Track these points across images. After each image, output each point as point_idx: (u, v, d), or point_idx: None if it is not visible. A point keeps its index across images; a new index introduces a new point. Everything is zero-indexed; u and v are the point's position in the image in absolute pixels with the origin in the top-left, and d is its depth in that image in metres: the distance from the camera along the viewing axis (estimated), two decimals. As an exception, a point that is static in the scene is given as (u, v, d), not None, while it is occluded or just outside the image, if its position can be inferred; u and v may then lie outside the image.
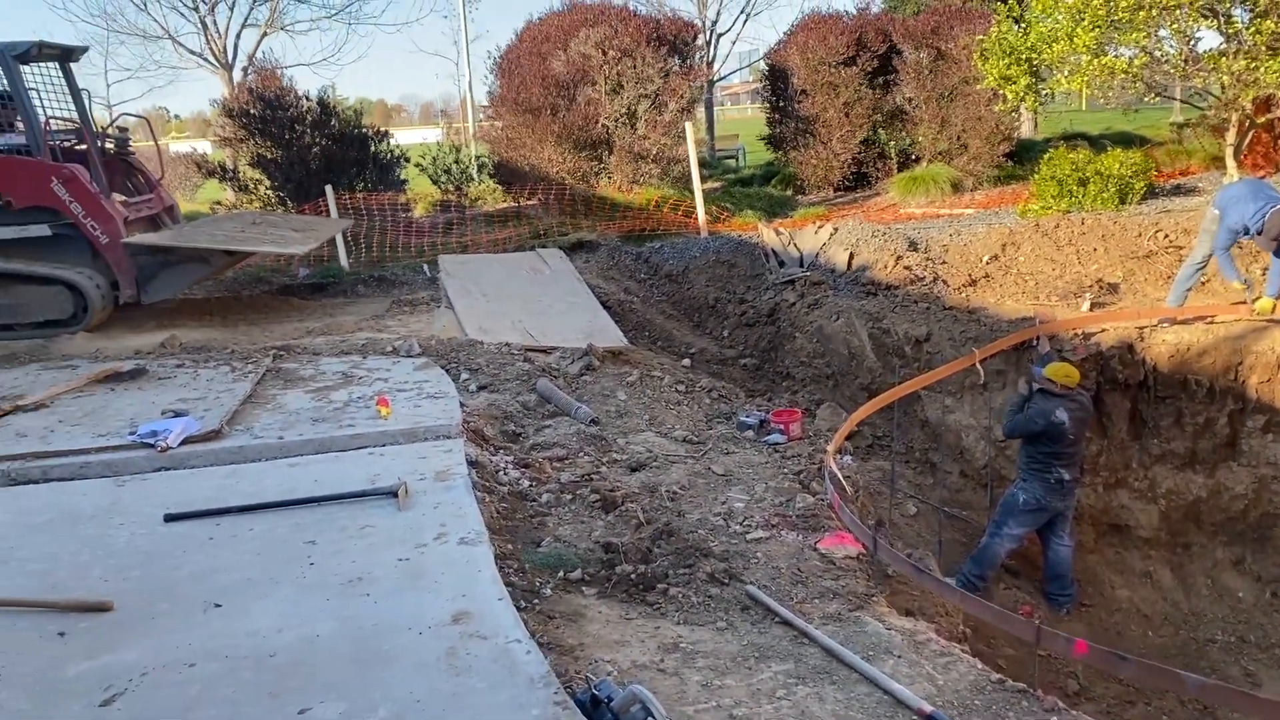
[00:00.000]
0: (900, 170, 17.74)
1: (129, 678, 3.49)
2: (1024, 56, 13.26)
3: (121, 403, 7.01)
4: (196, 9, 24.00)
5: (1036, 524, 7.71)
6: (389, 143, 18.02)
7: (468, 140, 21.74)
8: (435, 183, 18.93)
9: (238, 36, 24.63)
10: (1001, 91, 13.91)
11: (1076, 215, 11.23)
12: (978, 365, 8.27)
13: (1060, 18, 12.61)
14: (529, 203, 16.25)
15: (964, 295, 9.99)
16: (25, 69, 10.19)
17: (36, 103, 10.22)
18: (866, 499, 6.51)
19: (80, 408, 6.91)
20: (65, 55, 10.98)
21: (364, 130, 17.69)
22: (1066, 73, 12.84)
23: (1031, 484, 7.57)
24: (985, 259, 10.49)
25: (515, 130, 17.02)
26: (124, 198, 10.89)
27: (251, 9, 24.65)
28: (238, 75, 23.50)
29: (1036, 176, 12.95)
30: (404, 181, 18.23)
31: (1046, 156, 13.11)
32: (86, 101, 11.08)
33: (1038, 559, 8.11)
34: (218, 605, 4.02)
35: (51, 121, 10.39)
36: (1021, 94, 13.67)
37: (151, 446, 5.93)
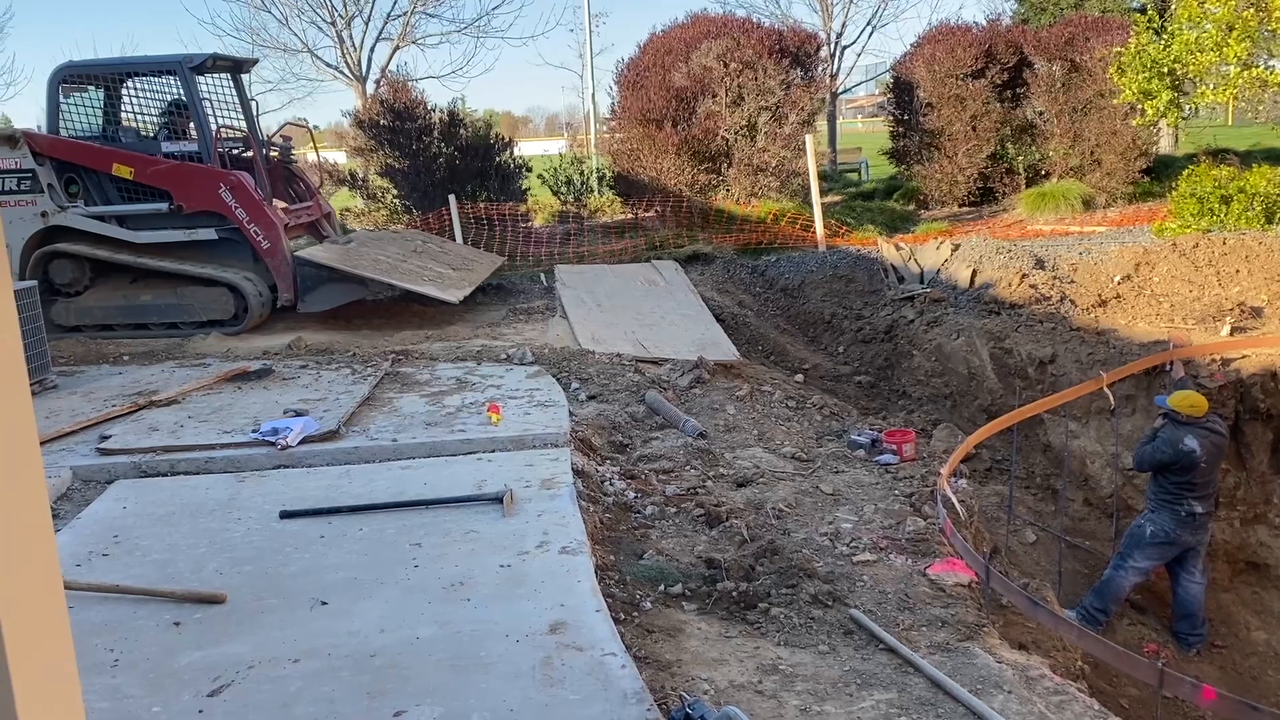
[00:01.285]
0: (1028, 186, 17.18)
1: (236, 670, 3.59)
2: (1165, 69, 12.67)
3: (247, 401, 7.28)
4: (334, 24, 24.92)
5: (1165, 558, 7.31)
6: (512, 153, 18.34)
7: (589, 152, 21.97)
8: (556, 193, 19.18)
9: (372, 50, 25.48)
10: (1140, 106, 13.32)
11: (1218, 235, 10.66)
12: (1105, 389, 7.91)
13: (1208, 28, 12.02)
14: (646, 215, 16.31)
15: (1092, 316, 9.58)
16: (200, 79, 10.74)
17: (209, 112, 10.73)
18: (982, 525, 6.28)
19: (209, 404, 7.20)
20: (236, 67, 11.53)
21: (490, 141, 18.06)
22: (1213, 85, 12.23)
23: (1161, 515, 7.18)
24: (1117, 279, 10.04)
25: (635, 142, 17.12)
26: (285, 204, 11.34)
27: (385, 24, 25.46)
28: (370, 87, 24.29)
29: (1175, 194, 12.35)
30: (525, 191, 18.52)
31: (1186, 172, 12.50)
32: (254, 111, 11.60)
33: (1167, 595, 7.69)
34: (324, 603, 4.11)
35: (221, 130, 10.90)
36: (1163, 109, 13.07)
37: (272, 444, 6.13)
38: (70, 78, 10.84)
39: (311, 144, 14.01)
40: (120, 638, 3.88)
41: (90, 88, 10.97)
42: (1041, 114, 16.90)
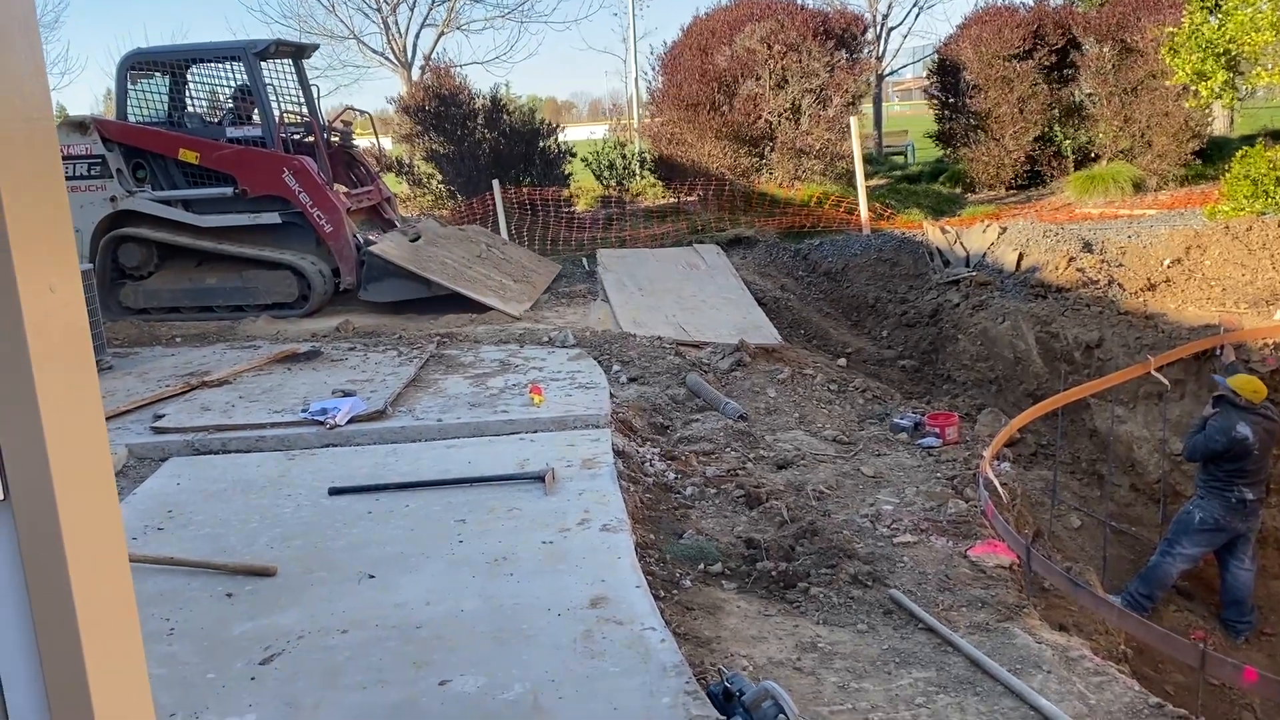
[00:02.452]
0: (1077, 169, 16.92)
1: (286, 639, 3.69)
2: (1220, 50, 12.39)
3: (296, 382, 7.42)
4: (379, 10, 25.14)
5: (1213, 545, 7.21)
6: (555, 138, 18.41)
7: (631, 136, 21.98)
8: (598, 178, 19.23)
9: (417, 36, 25.70)
10: (1194, 88, 13.04)
11: (1272, 217, 10.44)
12: (1153, 373, 7.81)
13: (1264, 7, 11.73)
14: (688, 198, 16.30)
15: (1141, 300, 9.45)
16: (263, 66, 10.92)
17: (271, 98, 10.92)
18: (1025, 508, 6.25)
19: (259, 385, 7.36)
20: (298, 52, 11.71)
21: (533, 126, 18.13)
22: (1270, 66, 11.95)
23: (1210, 502, 7.08)
24: (1166, 262, 9.89)
25: (677, 125, 17.10)
26: (346, 189, 11.50)
27: (430, 9, 25.65)
28: (415, 74, 24.48)
29: (1228, 176, 12.09)
30: (568, 176, 18.59)
31: (1240, 154, 12.23)
32: (315, 97, 11.78)
33: (1215, 582, 7.59)
34: (371, 576, 4.20)
35: (284, 116, 11.07)
36: (1217, 91, 12.77)
37: (321, 424, 6.25)
38: (138, 64, 11.08)
39: (371, 130, 14.18)
40: (176, 608, 4.00)
41: (157, 74, 11.20)
42: (1090, 95, 16.63)
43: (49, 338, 1.31)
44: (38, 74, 1.33)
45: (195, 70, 11.30)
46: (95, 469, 1.43)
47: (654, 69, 19.16)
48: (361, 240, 10.61)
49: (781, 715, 3.12)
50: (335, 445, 6.10)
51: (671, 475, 5.79)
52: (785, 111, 16.31)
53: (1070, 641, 4.20)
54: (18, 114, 1.27)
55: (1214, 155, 16.34)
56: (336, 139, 11.87)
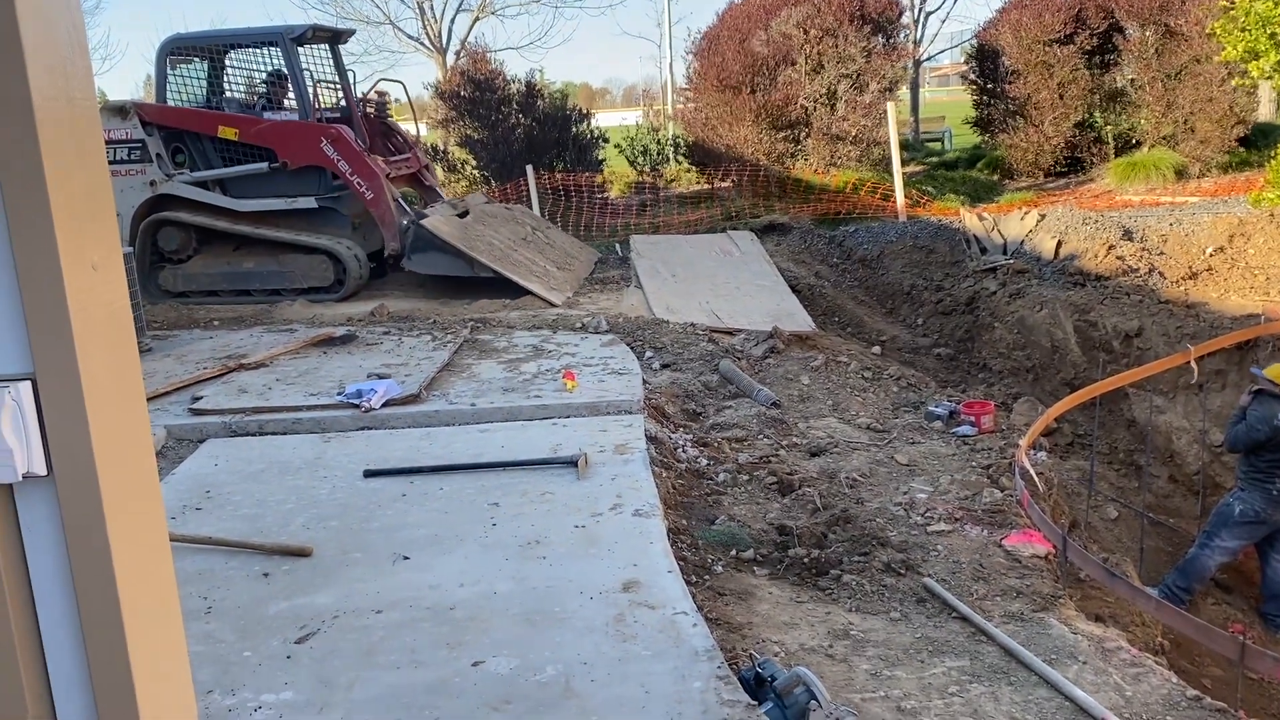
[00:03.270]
0: (1118, 155, 16.65)
1: (322, 619, 3.73)
2: (1272, 32, 12.10)
3: (332, 365, 7.48)
4: (415, -4, 25.19)
5: (1254, 537, 7.10)
6: (589, 124, 18.39)
7: (665, 122, 21.90)
8: (632, 164, 19.20)
9: (452, 21, 25.74)
10: (1244, 67, 12.75)
11: (1319, 205, 10.23)
12: (1193, 363, 7.69)
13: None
14: (722, 184, 16.23)
15: (1182, 289, 9.31)
16: (300, 51, 10.99)
17: (308, 83, 11.00)
18: (1061, 498, 6.18)
19: (295, 368, 7.42)
20: (334, 38, 11.79)
21: (567, 112, 18.13)
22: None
23: (1250, 494, 6.97)
24: (1209, 250, 9.73)
25: (712, 110, 17.02)
26: (383, 159, 11.55)
27: (465, -5, 25.66)
28: (450, 59, 24.53)
29: (1273, 163, 11.84)
30: (601, 162, 18.58)
31: (1287, 139, 11.99)
32: (351, 79, 11.86)
33: (1255, 575, 7.48)
34: (405, 558, 4.24)
35: (320, 99, 11.13)
36: (1268, 71, 12.49)
37: (356, 407, 6.30)
38: (177, 50, 11.21)
39: (409, 108, 14.24)
40: (213, 586, 4.06)
41: (195, 59, 11.31)
42: (1133, 81, 16.35)
43: (91, 315, 1.32)
44: (81, 55, 1.34)
45: (233, 55, 11.41)
46: (136, 447, 1.44)
47: (690, 54, 19.07)
48: (406, 208, 10.64)
49: (813, 701, 3.12)
50: (370, 428, 6.14)
51: (704, 461, 5.79)
52: (821, 97, 16.19)
53: (1106, 632, 4.16)
54: (62, 94, 1.28)
55: (1259, 142, 16.01)
56: (372, 110, 11.89)
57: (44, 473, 1.32)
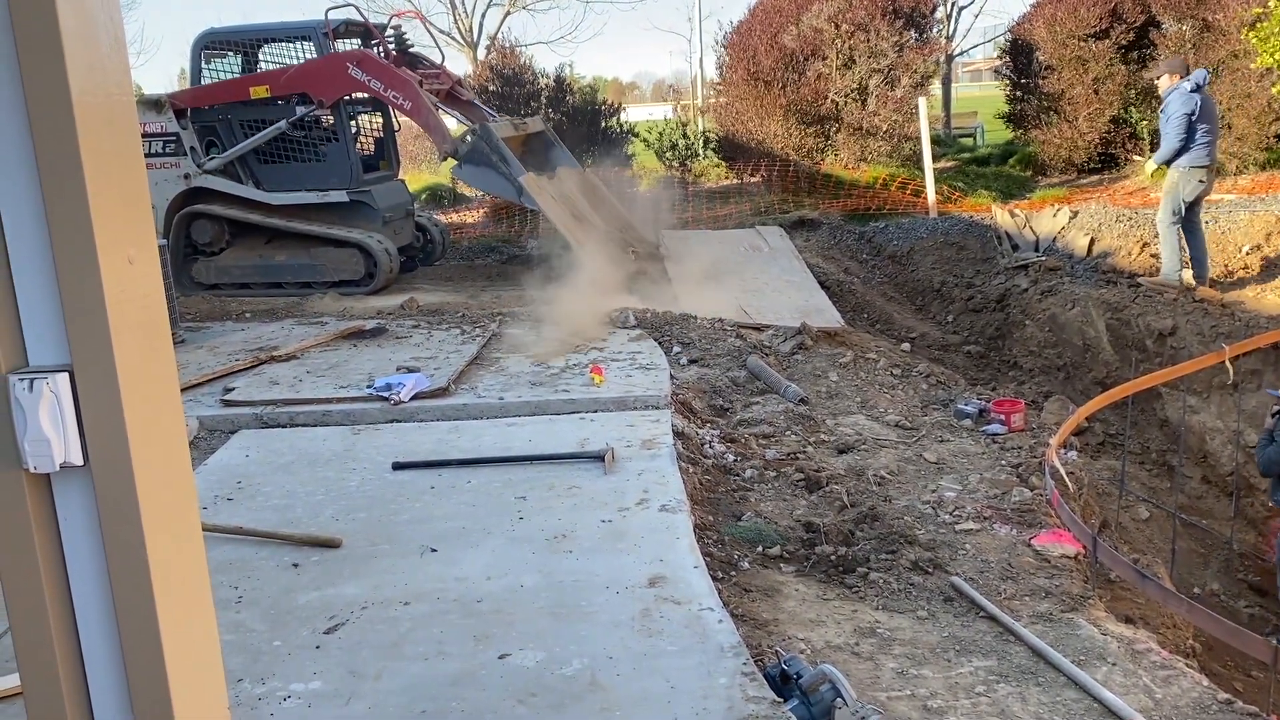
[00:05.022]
0: (1153, 151, 16.44)
1: (350, 610, 3.76)
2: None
3: (362, 358, 7.53)
4: (446, -10, 25.26)
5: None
6: (618, 118, 18.37)
7: (695, 116, 21.86)
8: (660, 158, 19.17)
9: (483, 16, 25.83)
10: (1278, 71, 12.56)
11: (1360, 203, 10.07)
12: (1228, 363, 7.59)
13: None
14: (751, 179, 16.18)
15: (1218, 287, 9.18)
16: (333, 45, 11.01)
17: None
18: (1092, 498, 6.12)
19: (326, 360, 7.48)
20: (368, 33, 11.78)
21: (596, 106, 18.12)
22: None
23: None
24: (1246, 249, 9.60)
25: (742, 105, 16.96)
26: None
27: (496, -11, 25.71)
28: (481, 53, 24.60)
29: (1314, 159, 11.68)
30: (630, 157, 18.55)
31: (1327, 136, 11.79)
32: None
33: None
34: (433, 550, 4.26)
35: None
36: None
37: (385, 400, 6.35)
38: (212, 44, 11.33)
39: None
40: (243, 576, 4.10)
41: (230, 53, 11.41)
42: (1170, 76, 16.12)
43: (127, 308, 1.34)
44: (118, 49, 1.36)
45: (267, 49, 11.49)
46: (171, 438, 1.46)
47: (721, 48, 19.02)
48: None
49: (839, 699, 3.11)
50: (399, 421, 6.18)
51: (731, 457, 5.78)
52: (852, 92, 16.09)
53: (1136, 634, 4.11)
54: (99, 89, 1.30)
55: (1299, 138, 15.75)
56: (392, 45, 11.85)
57: (80, 463, 1.34)
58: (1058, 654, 3.71)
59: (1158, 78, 9.41)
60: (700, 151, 18.76)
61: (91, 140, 1.27)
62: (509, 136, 10.75)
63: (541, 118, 13.47)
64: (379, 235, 10.70)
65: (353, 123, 11.49)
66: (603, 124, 17.92)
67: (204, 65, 11.24)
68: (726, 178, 17.59)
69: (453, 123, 11.30)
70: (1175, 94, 8.93)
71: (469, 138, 10.27)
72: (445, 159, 10.50)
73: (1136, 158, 16.25)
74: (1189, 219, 9.05)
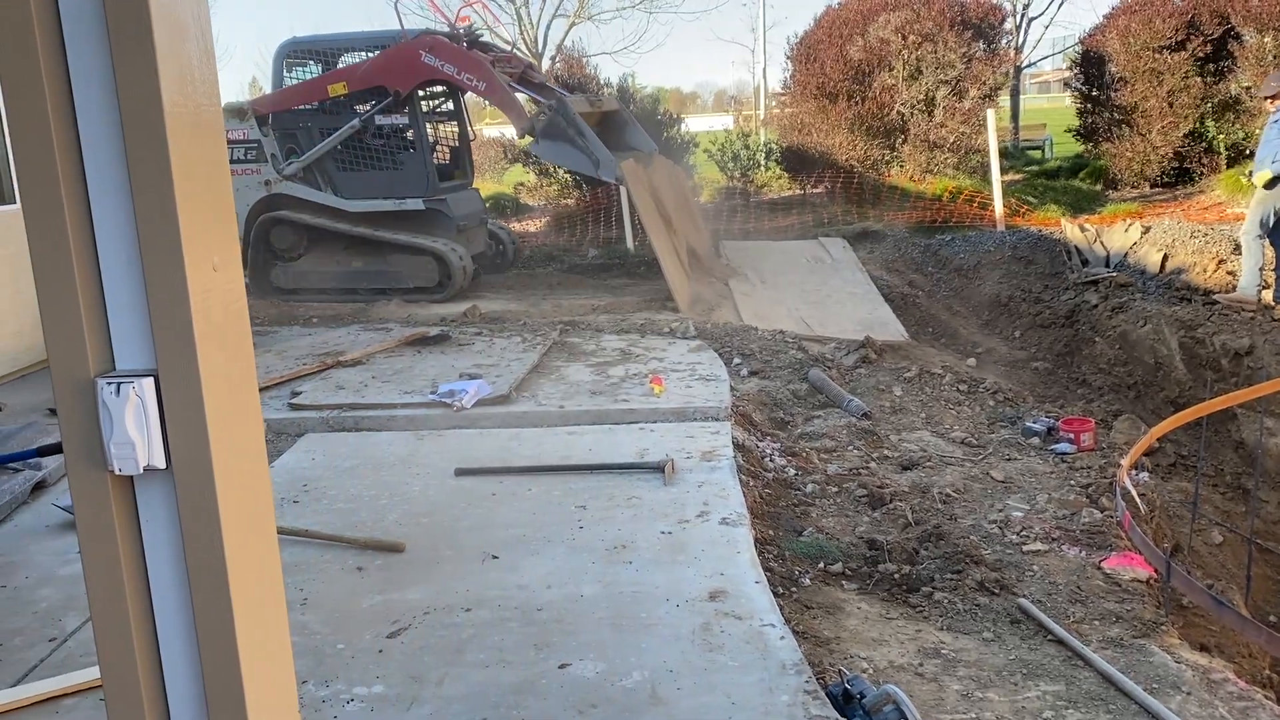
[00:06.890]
0: (1229, 166, 16.02)
1: (413, 615, 3.79)
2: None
3: (425, 364, 7.61)
4: (512, 0, 25.53)
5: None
6: (679, 129, 18.38)
7: (757, 127, 21.78)
8: (722, 169, 19.14)
9: (548, 27, 26.01)
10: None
11: None
12: (1309, 384, 7.34)
13: None
14: (814, 190, 16.08)
15: (1299, 306, 8.90)
16: None
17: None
18: (1163, 521, 5.97)
19: (391, 366, 7.58)
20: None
21: (658, 116, 18.15)
22: None
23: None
24: (1328, 267, 9.29)
25: (808, 115, 16.88)
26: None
27: (562, 0, 25.92)
28: (546, 64, 24.79)
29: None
30: (692, 167, 18.54)
31: None
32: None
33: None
34: (495, 557, 4.28)
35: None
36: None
37: (448, 406, 6.40)
38: (294, 53, 11.58)
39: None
40: (308, 578, 4.16)
41: (310, 62, 11.64)
42: (1249, 89, 15.71)
43: (211, 314, 1.36)
44: (207, 61, 1.39)
45: (347, 59, 11.69)
46: (249, 442, 1.49)
47: (786, 60, 18.96)
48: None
49: (902, 720, 3.06)
50: (461, 427, 6.23)
51: (792, 471, 5.73)
52: (918, 103, 15.93)
53: (1212, 663, 3.99)
54: (189, 100, 1.33)
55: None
56: (463, 40, 11.97)
57: (163, 466, 1.36)
58: (1129, 681, 3.61)
59: (1268, 97, 9.35)
60: (762, 162, 18.70)
61: (181, 153, 1.30)
62: (584, 113, 10.72)
63: (616, 98, 13.45)
64: (454, 243, 10.83)
65: (430, 130, 11.64)
66: (665, 134, 17.94)
67: (285, 74, 11.48)
68: (789, 188, 17.50)
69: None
70: None
71: (546, 113, 10.30)
72: (523, 136, 10.54)
73: (1238, 171, 15.84)
74: (1274, 235, 8.84)
